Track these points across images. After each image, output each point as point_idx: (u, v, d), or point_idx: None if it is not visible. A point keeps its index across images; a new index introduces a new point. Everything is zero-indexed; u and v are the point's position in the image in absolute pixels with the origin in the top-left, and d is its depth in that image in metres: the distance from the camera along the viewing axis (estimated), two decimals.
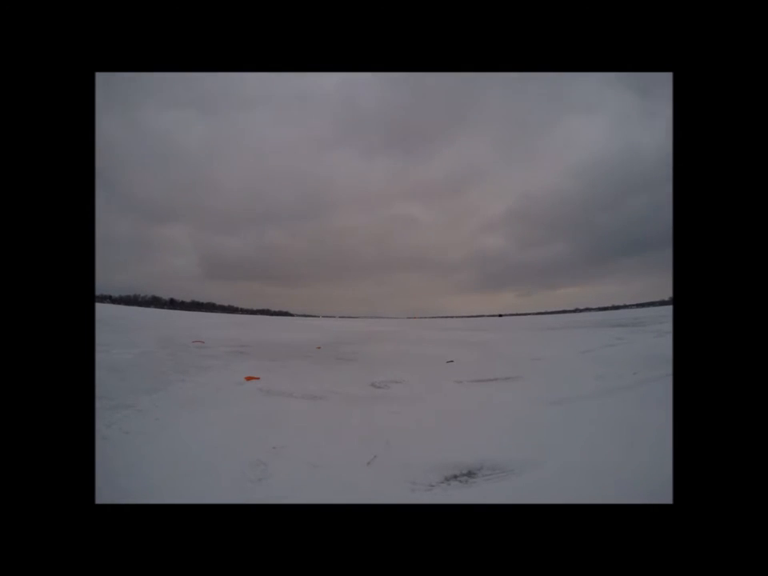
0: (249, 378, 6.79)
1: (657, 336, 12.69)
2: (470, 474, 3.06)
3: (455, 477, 3.02)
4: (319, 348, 13.13)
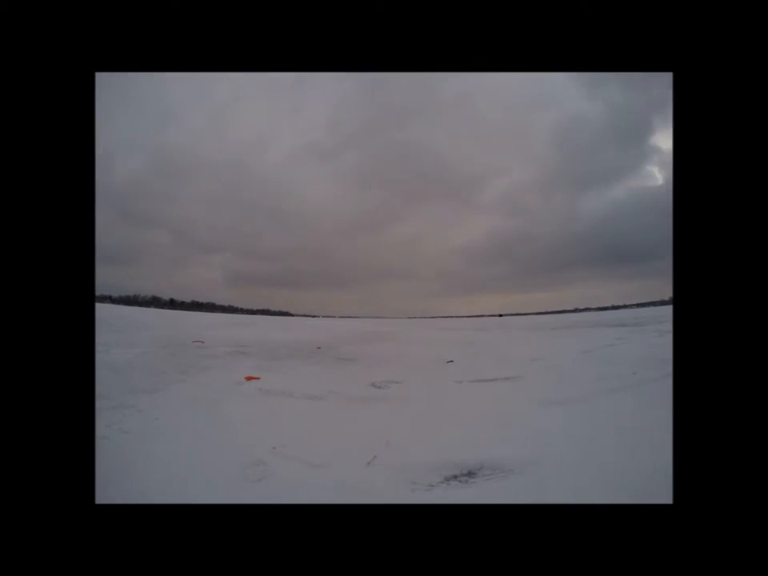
0: (249, 378, 6.79)
1: (657, 336, 12.69)
2: (470, 473, 3.06)
3: (455, 477, 3.02)
4: (319, 348, 13.13)
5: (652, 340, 11.76)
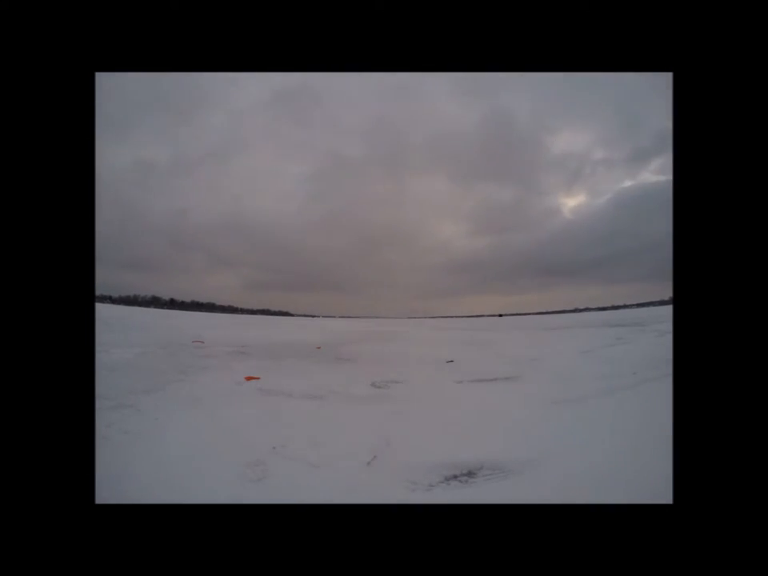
0: (249, 378, 6.79)
1: (657, 336, 12.69)
2: (470, 473, 3.06)
3: (455, 477, 3.02)
4: (319, 348, 13.13)
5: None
